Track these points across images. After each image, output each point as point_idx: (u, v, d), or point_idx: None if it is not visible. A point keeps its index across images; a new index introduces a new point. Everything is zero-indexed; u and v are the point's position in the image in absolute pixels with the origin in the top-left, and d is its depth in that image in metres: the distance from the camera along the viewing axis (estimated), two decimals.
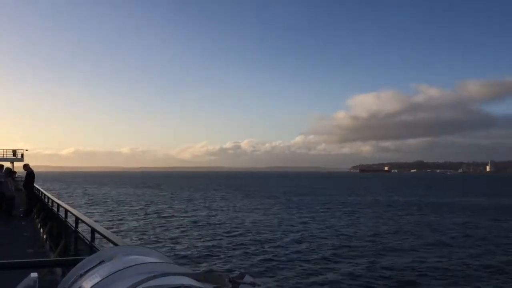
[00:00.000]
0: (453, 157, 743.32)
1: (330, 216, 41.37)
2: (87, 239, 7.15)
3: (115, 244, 4.59)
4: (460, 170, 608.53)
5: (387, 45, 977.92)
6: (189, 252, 22.87)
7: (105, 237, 5.64)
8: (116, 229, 30.72)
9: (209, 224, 35.13)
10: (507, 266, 21.01)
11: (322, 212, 45.57)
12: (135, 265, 1.55)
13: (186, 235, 28.77)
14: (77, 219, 8.14)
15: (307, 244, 25.91)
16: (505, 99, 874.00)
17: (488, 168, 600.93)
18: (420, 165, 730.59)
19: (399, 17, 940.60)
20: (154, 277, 1.45)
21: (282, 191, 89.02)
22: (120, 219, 37.48)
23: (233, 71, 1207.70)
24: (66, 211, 9.77)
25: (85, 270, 1.64)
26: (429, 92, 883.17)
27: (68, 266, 3.71)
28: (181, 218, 38.52)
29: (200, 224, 35.06)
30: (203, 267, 19.71)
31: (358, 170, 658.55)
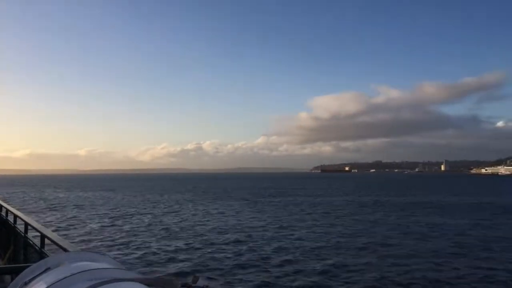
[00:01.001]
0: (410, 157, 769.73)
1: (299, 219, 41.74)
2: (36, 246, 6.88)
3: (66, 250, 4.43)
4: (416, 170, 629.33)
5: (348, 46, 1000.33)
6: (144, 257, 22.42)
7: (55, 243, 5.48)
8: (69, 235, 29.80)
9: (167, 226, 34.69)
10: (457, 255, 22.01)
11: (293, 213, 45.99)
12: (83, 271, 1.48)
13: (142, 239, 28.24)
14: (27, 225, 7.82)
15: (272, 246, 25.98)
16: (460, 100, 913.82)
17: (443, 168, 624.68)
18: (378, 165, 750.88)
19: (359, 18, 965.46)
20: (103, 283, 1.39)
21: (250, 192, 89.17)
22: (75, 224, 36.44)
23: (195, 72, 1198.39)
24: (15, 216, 9.37)
25: (30, 278, 1.56)
26: (388, 93, 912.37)
27: (17, 273, 3.50)
28: (139, 222, 37.79)
29: (158, 227, 34.54)
30: (157, 272, 19.36)
31: (319, 171, 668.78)
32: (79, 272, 1.47)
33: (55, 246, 5.57)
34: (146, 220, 38.91)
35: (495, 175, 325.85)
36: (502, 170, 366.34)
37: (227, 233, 30.81)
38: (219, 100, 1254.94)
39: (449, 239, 28.50)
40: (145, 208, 52.00)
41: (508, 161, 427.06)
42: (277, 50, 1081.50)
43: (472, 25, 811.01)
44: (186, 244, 26.34)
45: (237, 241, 27.34)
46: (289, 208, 51.59)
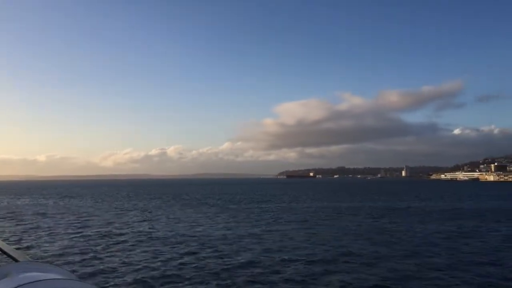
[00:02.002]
0: (372, 163, 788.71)
1: (275, 226, 40.88)
2: None
3: (16, 260, 4.09)
4: (379, 175, 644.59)
5: (314, 53, 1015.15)
6: (100, 267, 21.25)
7: (4, 252, 4.71)
8: (23, 244, 27.93)
9: (124, 235, 33.10)
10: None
11: (268, 221, 45.13)
12: (32, 282, 1.40)
13: (100, 249, 26.79)
14: None
15: (251, 255, 24.99)
16: (420, 108, 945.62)
17: (403, 173, 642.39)
18: (342, 170, 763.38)
19: (323, 25, 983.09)
20: None
21: (221, 199, 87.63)
22: (30, 233, 34.31)
23: (159, 77, 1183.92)
24: None
25: None
26: (352, 100, 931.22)
27: None
28: (98, 231, 35.98)
29: (116, 235, 32.91)
30: (113, 283, 18.18)
31: (285, 176, 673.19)
32: (28, 283, 1.41)
33: (5, 256, 4.76)
34: (112, 229, 36.99)
35: (454, 181, 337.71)
36: (461, 176, 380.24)
37: (204, 242, 29.47)
38: (184, 104, 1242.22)
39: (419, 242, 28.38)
40: (112, 216, 49.75)
41: (465, 167, 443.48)
42: (243, 55, 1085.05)
43: (432, 35, 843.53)
44: (153, 255, 24.92)
45: (215, 251, 26.12)
46: (263, 215, 50.72)
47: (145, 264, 22.11)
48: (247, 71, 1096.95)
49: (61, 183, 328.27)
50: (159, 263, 22.45)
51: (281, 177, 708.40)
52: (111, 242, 29.51)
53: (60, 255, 24.72)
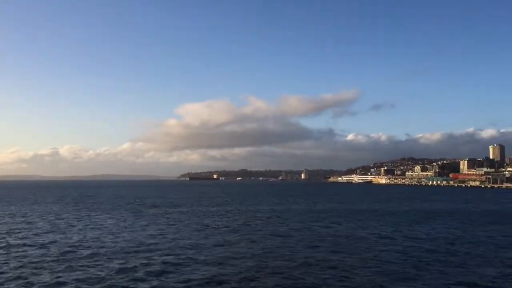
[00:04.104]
0: (273, 166, 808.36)
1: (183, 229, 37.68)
2: None
3: None
4: (280, 178, 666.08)
5: (221, 54, 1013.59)
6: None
7: None
8: None
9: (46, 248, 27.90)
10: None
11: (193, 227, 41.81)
12: None
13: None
14: None
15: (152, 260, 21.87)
16: (319, 114, 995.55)
17: (303, 176, 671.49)
18: (244, 173, 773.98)
19: (229, 29, 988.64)
20: None
21: (128, 202, 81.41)
22: None
23: (56, 71, 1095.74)
24: None
25: None
26: (256, 104, 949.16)
27: None
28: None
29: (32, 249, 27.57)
30: None
31: (188, 178, 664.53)
32: None
33: None
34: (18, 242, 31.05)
35: (350, 183, 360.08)
36: (356, 178, 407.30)
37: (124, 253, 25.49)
38: (79, 103, 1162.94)
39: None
40: (8, 227, 42.54)
41: (358, 171, 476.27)
42: (147, 52, 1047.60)
43: (331, 45, 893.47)
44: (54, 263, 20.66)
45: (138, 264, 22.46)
46: (181, 220, 47.23)
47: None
48: (149, 69, 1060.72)
49: None
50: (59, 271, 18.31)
51: (184, 179, 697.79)
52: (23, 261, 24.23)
53: None
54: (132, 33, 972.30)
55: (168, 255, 26.19)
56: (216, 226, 42.39)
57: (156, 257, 25.23)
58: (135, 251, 27.21)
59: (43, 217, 50.43)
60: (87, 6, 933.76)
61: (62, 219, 48.46)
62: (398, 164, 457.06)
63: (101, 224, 42.88)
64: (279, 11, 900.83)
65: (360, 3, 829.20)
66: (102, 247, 28.78)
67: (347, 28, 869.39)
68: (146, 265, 23.00)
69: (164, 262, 23.82)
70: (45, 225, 41.82)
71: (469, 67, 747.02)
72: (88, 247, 28.60)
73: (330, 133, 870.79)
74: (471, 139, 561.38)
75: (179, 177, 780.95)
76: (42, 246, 29.18)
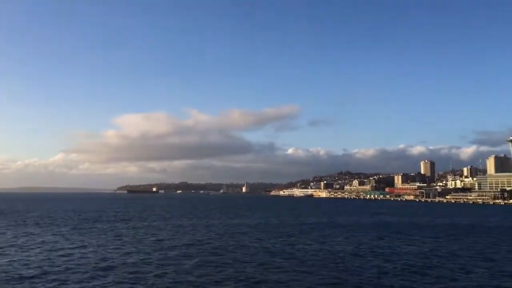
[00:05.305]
0: (214, 179, 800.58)
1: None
2: None
3: None
4: (221, 191, 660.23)
5: (164, 66, 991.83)
6: None
7: None
8: None
9: None
10: None
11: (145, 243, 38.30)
12: None
13: None
14: None
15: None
16: (261, 128, 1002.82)
17: (244, 189, 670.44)
18: (185, 186, 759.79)
19: (173, 42, 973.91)
20: None
21: (68, 217, 74.99)
22: None
23: None
24: None
25: None
26: (198, 117, 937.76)
27: None
28: None
29: None
30: None
31: (125, 191, 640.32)
32: None
33: None
34: None
35: (291, 197, 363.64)
36: (297, 192, 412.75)
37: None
38: (5, 109, 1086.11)
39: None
40: None
41: (298, 184, 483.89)
42: (83, 61, 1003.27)
43: (276, 60, 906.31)
44: None
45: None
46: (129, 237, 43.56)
47: None
48: (85, 78, 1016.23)
49: None
50: None
51: (121, 191, 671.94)
52: None
53: None
54: (66, 37, 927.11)
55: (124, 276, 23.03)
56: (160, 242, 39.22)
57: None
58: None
59: None
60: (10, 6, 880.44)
61: None
62: (336, 178, 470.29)
63: (42, 242, 38.25)
64: (222, 25, 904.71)
65: (301, 21, 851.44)
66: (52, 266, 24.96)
67: (290, 44, 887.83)
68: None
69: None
70: None
71: (399, 89, 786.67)
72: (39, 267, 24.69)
73: (271, 147, 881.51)
74: (403, 154, 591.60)
75: (116, 190, 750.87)
76: None
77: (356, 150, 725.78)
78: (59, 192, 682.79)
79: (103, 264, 27.08)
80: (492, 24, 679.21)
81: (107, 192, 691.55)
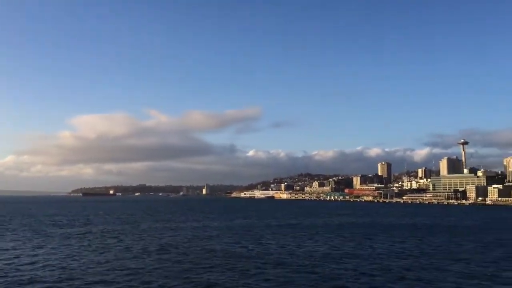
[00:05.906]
0: (174, 181, 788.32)
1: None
2: None
3: None
4: (181, 193, 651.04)
5: (124, 67, 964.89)
6: None
7: None
8: None
9: None
10: None
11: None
12: None
13: None
14: None
15: None
16: (222, 130, 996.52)
17: (204, 191, 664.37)
18: (143, 188, 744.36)
19: (133, 46, 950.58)
20: None
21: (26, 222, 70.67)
22: None
23: None
24: None
25: None
26: (159, 118, 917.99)
27: None
28: None
29: None
30: None
31: (80, 194, 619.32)
32: None
33: None
34: None
35: (252, 198, 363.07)
36: (258, 194, 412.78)
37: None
38: None
39: None
40: None
41: (258, 186, 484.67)
42: (38, 60, 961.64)
43: (241, 61, 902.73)
44: None
45: None
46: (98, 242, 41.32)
47: None
48: (41, 77, 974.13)
49: None
50: None
51: (76, 194, 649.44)
52: None
53: None
54: (15, 36, 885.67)
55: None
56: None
57: None
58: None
59: None
60: None
61: None
62: (296, 179, 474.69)
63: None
64: (186, 25, 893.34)
65: (265, 22, 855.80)
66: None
67: (255, 46, 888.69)
68: None
69: None
70: None
71: (358, 92, 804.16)
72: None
73: (232, 149, 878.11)
74: (361, 156, 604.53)
75: (70, 193, 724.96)
76: None
77: (315, 152, 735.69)
78: (9, 195, 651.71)
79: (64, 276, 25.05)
80: (448, 26, 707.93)
81: (61, 195, 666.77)
